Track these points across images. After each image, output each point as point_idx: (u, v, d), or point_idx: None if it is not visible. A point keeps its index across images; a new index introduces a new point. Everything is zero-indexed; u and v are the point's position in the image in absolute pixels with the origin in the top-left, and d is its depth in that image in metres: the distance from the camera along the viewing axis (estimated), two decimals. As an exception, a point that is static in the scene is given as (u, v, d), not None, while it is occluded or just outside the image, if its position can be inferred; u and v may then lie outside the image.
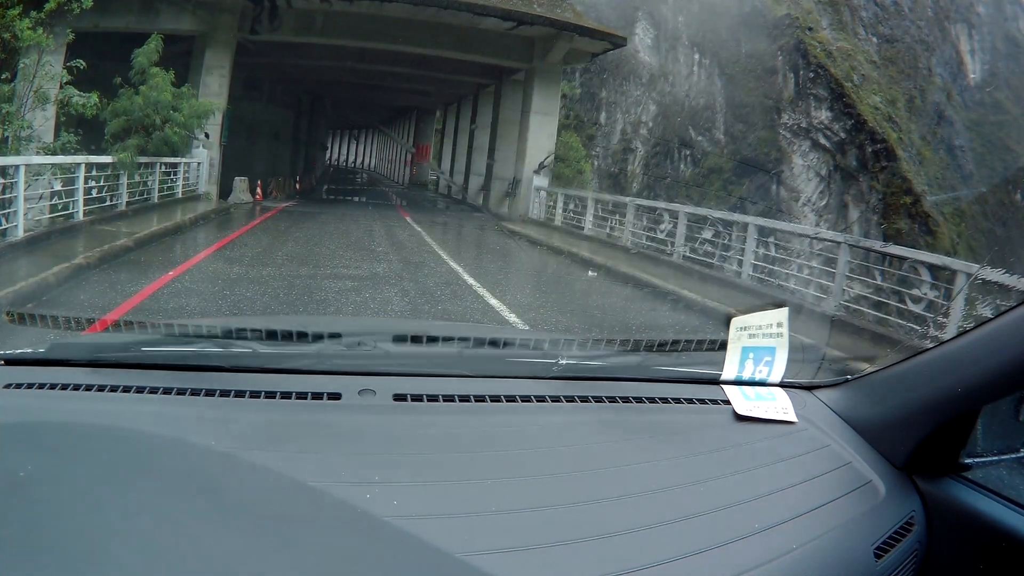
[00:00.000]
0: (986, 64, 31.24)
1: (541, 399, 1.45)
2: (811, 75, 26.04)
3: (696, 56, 29.05)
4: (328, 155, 51.77)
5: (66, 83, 11.90)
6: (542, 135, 20.46)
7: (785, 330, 1.57)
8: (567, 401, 1.46)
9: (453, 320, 6.77)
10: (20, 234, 8.49)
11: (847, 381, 1.61)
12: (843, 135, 25.16)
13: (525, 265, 12.94)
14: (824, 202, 25.24)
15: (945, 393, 1.31)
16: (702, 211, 12.65)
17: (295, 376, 1.43)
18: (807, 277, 9.52)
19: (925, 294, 7.24)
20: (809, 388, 1.65)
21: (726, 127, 27.72)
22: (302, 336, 1.54)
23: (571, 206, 17.68)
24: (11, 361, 1.45)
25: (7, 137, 10.87)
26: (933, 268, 7.30)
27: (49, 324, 1.64)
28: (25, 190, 8.70)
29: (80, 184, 10.52)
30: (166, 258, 9.46)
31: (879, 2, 29.52)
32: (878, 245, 9.11)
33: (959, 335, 1.34)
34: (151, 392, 1.32)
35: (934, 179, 26.76)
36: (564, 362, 1.65)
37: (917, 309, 7.29)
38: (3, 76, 11.34)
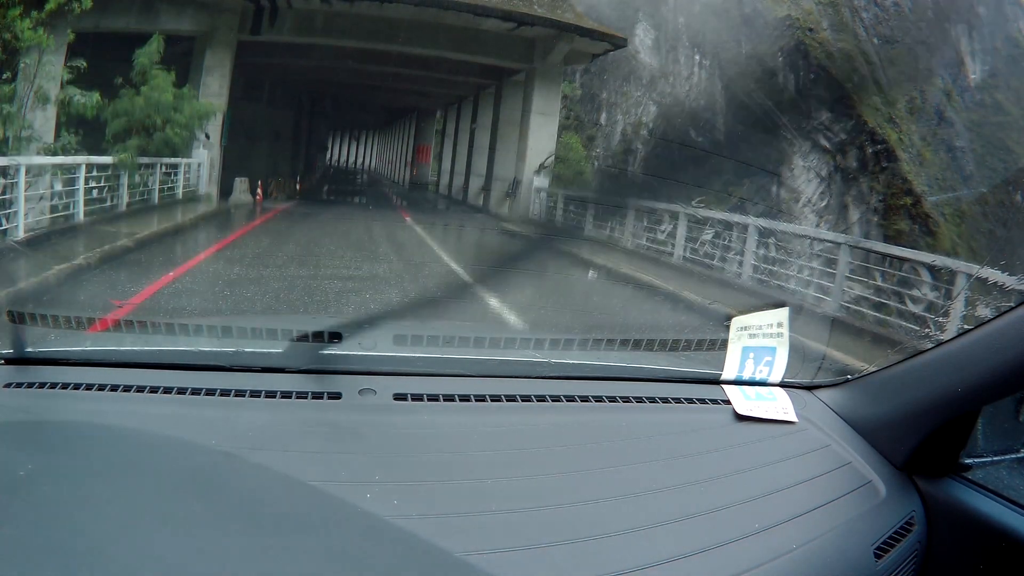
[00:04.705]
0: (986, 65, 31.20)
1: (541, 399, 1.45)
2: (811, 76, 26.01)
3: (696, 57, 29.01)
4: (328, 156, 51.73)
5: (67, 83, 11.91)
6: (543, 136, 20.45)
7: (785, 330, 1.57)
8: (567, 401, 1.46)
9: (453, 320, 6.75)
10: (21, 234, 8.50)
11: (847, 381, 1.61)
12: (843, 136, 25.13)
13: (525, 267, 12.90)
14: (824, 203, 25.19)
15: (945, 393, 1.31)
16: (703, 212, 12.65)
17: (295, 376, 1.43)
18: (807, 278, 9.50)
19: (925, 295, 7.24)
20: (809, 388, 1.65)
21: (726, 128, 27.69)
22: (302, 336, 1.55)
23: (572, 207, 17.68)
24: (11, 361, 1.45)
25: (8, 137, 10.87)
26: (933, 269, 7.30)
27: (50, 324, 1.64)
28: (26, 190, 8.70)
29: (81, 184, 10.51)
30: (166, 259, 9.45)
31: (880, 3, 29.48)
32: (879, 246, 9.12)
33: (959, 335, 1.34)
34: (151, 392, 1.33)
35: (934, 180, 26.71)
36: (564, 362, 1.65)
37: (917, 310, 7.29)
38: (4, 76, 11.34)
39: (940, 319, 6.79)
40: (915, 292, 7.37)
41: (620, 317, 8.26)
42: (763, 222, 10.65)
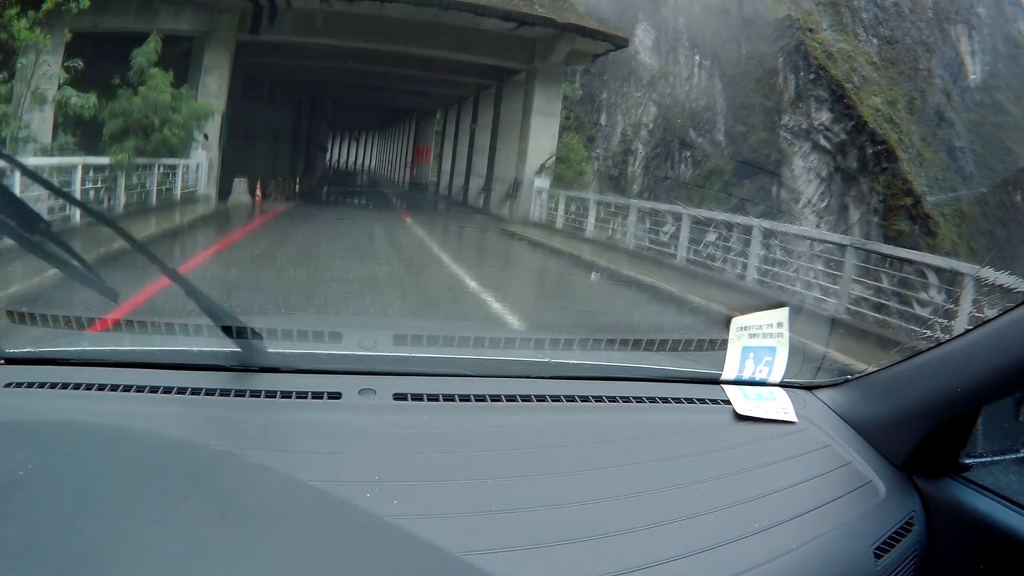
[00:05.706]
0: (986, 65, 31.22)
1: (541, 399, 1.44)
2: (811, 77, 26.02)
3: (697, 57, 29.04)
4: (328, 156, 51.72)
5: (64, 83, 11.90)
6: (543, 136, 20.43)
7: (785, 330, 1.57)
8: (567, 401, 1.46)
9: (453, 321, 6.76)
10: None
11: (847, 381, 1.61)
12: (844, 136, 25.14)
13: (527, 268, 12.94)
14: (825, 203, 25.21)
15: (945, 393, 1.31)
16: (705, 213, 12.65)
17: (295, 376, 1.43)
18: (810, 280, 9.50)
19: (932, 297, 7.25)
20: (809, 388, 1.64)
21: (726, 128, 27.71)
22: (302, 336, 1.55)
23: (572, 208, 17.67)
24: (11, 360, 1.45)
25: (5, 138, 10.87)
26: (935, 270, 7.31)
27: (49, 324, 1.64)
28: (21, 192, 8.69)
29: (77, 185, 10.51)
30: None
31: (880, 3, 29.50)
32: (883, 248, 9.14)
33: (959, 335, 1.33)
34: (151, 392, 1.32)
35: (934, 180, 26.73)
36: (564, 362, 1.65)
37: (921, 311, 7.30)
38: (0, 77, 11.34)
39: (940, 319, 6.80)
40: (917, 293, 7.39)
41: (621, 317, 8.26)
42: (767, 223, 10.64)
